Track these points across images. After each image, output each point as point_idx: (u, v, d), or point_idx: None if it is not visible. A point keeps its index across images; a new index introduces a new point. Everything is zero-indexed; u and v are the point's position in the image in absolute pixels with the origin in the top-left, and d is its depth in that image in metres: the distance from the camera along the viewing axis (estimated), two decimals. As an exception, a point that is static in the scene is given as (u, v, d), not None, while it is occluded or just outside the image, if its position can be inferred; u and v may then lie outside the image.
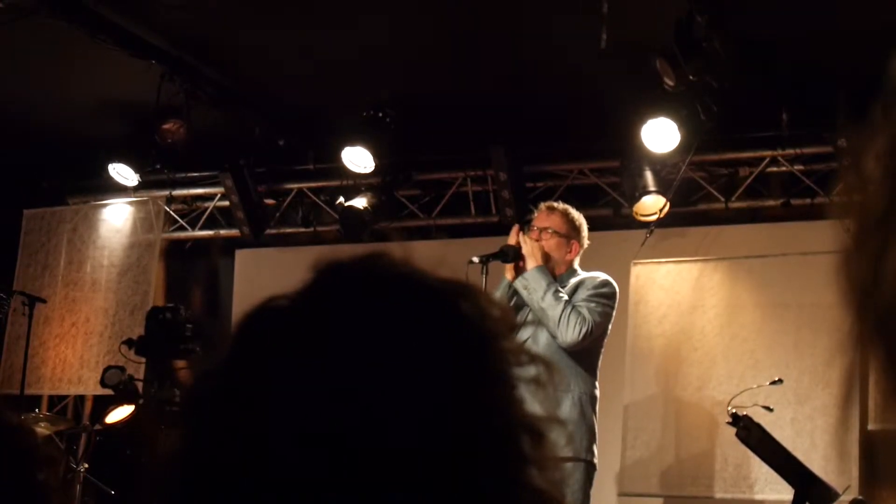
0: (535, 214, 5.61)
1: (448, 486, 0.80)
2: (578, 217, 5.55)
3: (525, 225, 5.58)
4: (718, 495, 6.92)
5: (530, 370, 0.89)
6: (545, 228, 5.46)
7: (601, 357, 5.43)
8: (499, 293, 5.37)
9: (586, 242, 5.54)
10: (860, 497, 5.29)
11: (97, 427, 7.54)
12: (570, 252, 5.47)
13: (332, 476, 0.80)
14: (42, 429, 7.11)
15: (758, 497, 6.78)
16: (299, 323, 0.86)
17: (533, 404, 0.89)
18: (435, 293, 0.89)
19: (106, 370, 7.16)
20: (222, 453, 0.83)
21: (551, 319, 5.19)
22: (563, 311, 5.17)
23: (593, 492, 5.32)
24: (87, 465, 7.09)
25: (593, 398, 5.32)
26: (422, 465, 0.80)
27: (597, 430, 5.33)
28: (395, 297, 0.87)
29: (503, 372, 0.87)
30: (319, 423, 0.81)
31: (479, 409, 0.83)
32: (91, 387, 8.24)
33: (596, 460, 5.30)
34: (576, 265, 5.50)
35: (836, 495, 5.22)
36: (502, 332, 0.89)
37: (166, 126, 7.78)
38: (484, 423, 0.83)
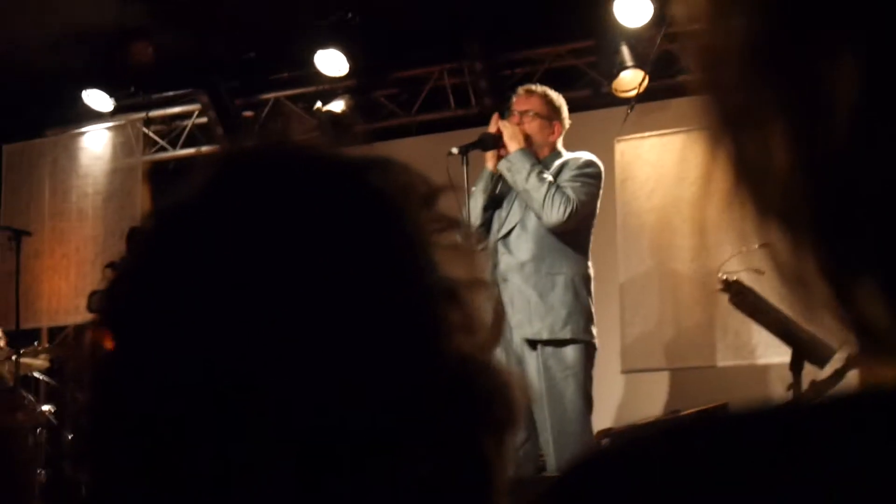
0: (514, 100, 5.54)
1: (368, 360, 0.78)
2: (557, 98, 5.48)
3: (505, 112, 5.52)
4: (722, 363, 6.96)
5: (450, 236, 0.87)
6: (525, 112, 5.39)
7: (591, 238, 5.41)
8: (481, 184, 5.34)
9: (567, 123, 5.49)
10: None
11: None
12: (553, 133, 5.41)
13: (250, 372, 0.77)
14: (43, 361, 7.15)
15: (760, 362, 6.81)
16: (200, 223, 0.83)
17: (456, 269, 0.87)
18: (342, 169, 0.86)
19: (92, 295, 7.15)
20: (131, 368, 0.81)
21: (535, 200, 5.15)
22: (547, 191, 5.13)
23: (596, 371, 5.33)
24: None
25: (586, 278, 5.30)
26: (341, 346, 0.78)
27: (593, 311, 5.33)
28: (300, 179, 0.84)
29: (418, 240, 0.84)
30: (230, 318, 0.78)
31: (394, 280, 0.81)
32: (89, 315, 8.25)
33: (595, 340, 5.31)
34: (559, 147, 5.45)
35: (832, 352, 5.24)
36: (417, 200, 0.86)
37: (134, 47, 7.67)
38: (401, 293, 0.81)
